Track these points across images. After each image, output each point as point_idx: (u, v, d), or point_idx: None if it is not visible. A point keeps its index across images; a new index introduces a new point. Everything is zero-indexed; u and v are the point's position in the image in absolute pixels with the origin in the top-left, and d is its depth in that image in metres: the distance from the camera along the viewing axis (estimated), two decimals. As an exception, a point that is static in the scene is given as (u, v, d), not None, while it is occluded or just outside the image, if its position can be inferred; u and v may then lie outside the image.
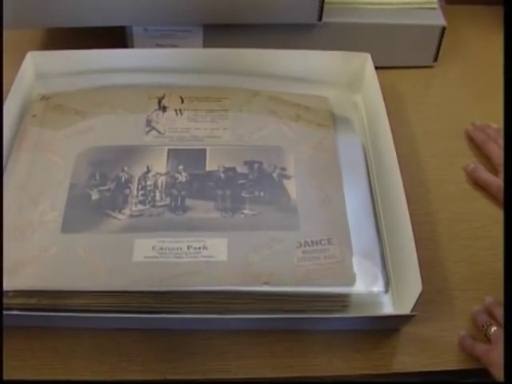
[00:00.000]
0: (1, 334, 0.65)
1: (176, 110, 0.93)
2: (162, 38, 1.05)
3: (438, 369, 0.73)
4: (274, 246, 0.77)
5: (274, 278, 0.75)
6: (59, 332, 0.74)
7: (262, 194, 0.83)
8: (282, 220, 0.81)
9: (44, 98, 0.94)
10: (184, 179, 0.84)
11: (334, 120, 0.94)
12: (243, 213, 0.81)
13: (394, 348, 0.75)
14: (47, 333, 0.74)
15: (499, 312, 0.75)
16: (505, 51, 0.80)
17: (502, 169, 0.90)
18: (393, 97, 0.99)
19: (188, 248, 0.77)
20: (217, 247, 0.77)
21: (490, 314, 0.76)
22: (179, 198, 0.82)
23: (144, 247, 0.77)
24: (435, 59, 1.09)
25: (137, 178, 0.84)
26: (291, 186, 0.84)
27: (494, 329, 0.73)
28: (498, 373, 0.67)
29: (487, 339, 0.73)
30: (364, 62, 0.99)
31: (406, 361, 0.75)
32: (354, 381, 0.75)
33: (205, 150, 0.88)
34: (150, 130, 0.91)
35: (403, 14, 1.06)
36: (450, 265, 0.83)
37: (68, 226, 0.79)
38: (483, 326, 0.74)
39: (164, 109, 0.94)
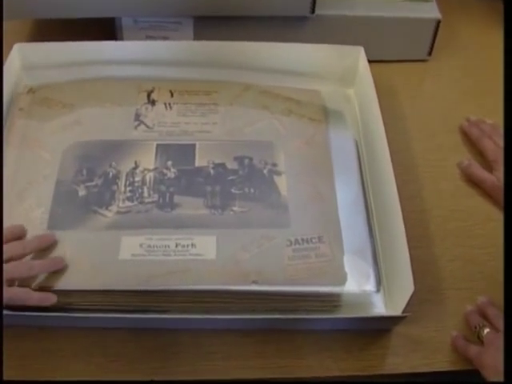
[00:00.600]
0: (1, 334, 0.65)
1: (165, 104, 0.92)
2: (152, 29, 1.03)
3: (430, 370, 0.72)
4: (263, 244, 0.76)
5: (263, 276, 0.73)
6: (45, 331, 0.73)
7: (252, 190, 0.82)
8: (272, 217, 0.79)
9: (31, 90, 0.93)
10: (173, 175, 0.83)
11: (326, 114, 0.93)
12: (233, 210, 0.80)
13: (385, 349, 0.74)
14: (32, 332, 0.73)
15: (492, 312, 0.74)
16: (505, 49, 0.78)
17: (496, 165, 0.89)
18: (386, 91, 0.98)
19: (176, 246, 0.76)
20: (205, 245, 0.76)
21: (482, 314, 0.75)
22: (167, 195, 0.81)
23: (131, 245, 0.76)
24: (430, 53, 1.08)
25: (124, 174, 0.83)
26: (282, 182, 0.83)
27: (486, 330, 0.71)
28: (491, 375, 0.66)
29: (480, 341, 0.72)
30: (357, 56, 0.97)
31: (398, 362, 0.74)
32: (345, 381, 0.74)
33: (194, 145, 0.87)
34: (138, 125, 0.89)
35: (397, 6, 1.05)
36: (443, 263, 0.82)
37: (54, 223, 0.78)
38: (476, 328, 0.73)
39: (153, 102, 0.92)
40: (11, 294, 0.68)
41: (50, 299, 0.71)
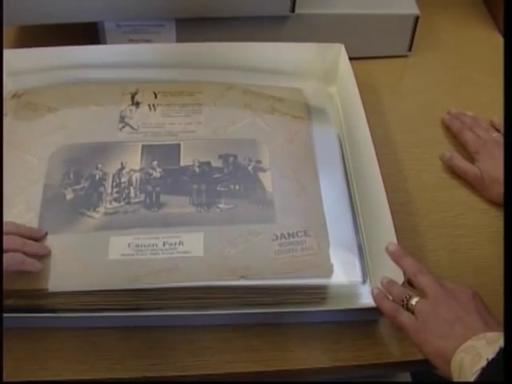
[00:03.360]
0: (1, 334, 0.66)
1: (149, 106, 0.93)
2: (135, 33, 1.04)
3: (418, 358, 0.73)
4: (250, 239, 0.77)
5: (250, 271, 0.74)
6: (37, 332, 0.74)
7: (237, 187, 0.83)
8: (257, 213, 0.80)
9: (15, 95, 0.93)
10: (158, 175, 0.84)
11: (309, 112, 0.94)
12: (219, 207, 0.81)
13: (374, 338, 0.76)
14: (25, 334, 0.74)
15: (397, 288, 0.71)
16: (505, 51, 0.79)
17: (478, 156, 0.90)
18: (368, 87, 0.99)
19: (164, 244, 0.76)
20: (193, 242, 0.77)
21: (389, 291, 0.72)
22: (154, 194, 0.82)
23: (120, 245, 0.77)
24: (409, 48, 1.09)
25: (111, 175, 0.84)
26: (267, 178, 0.84)
27: (415, 300, 0.68)
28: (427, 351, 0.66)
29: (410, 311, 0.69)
30: (338, 53, 0.98)
31: (386, 351, 0.75)
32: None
33: (179, 144, 0.87)
34: (123, 126, 0.90)
35: (376, 3, 1.06)
36: (427, 253, 0.83)
37: (44, 227, 0.78)
38: (403, 301, 0.69)
39: (137, 104, 0.93)
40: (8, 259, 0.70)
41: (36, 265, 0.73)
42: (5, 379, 0.70)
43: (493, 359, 0.58)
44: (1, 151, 0.84)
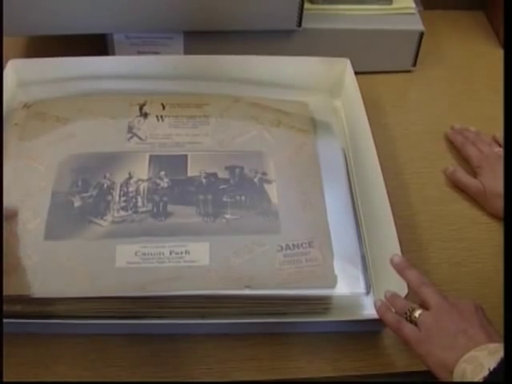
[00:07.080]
0: (1, 336, 0.66)
1: (157, 117, 0.94)
2: (143, 45, 1.05)
3: (420, 369, 0.73)
4: (255, 249, 0.78)
5: (255, 281, 0.75)
6: (43, 338, 0.75)
7: (243, 198, 0.84)
8: (263, 224, 0.81)
9: (26, 105, 0.94)
10: (166, 185, 0.85)
11: (314, 125, 0.95)
12: (225, 217, 0.81)
13: (376, 349, 0.76)
14: (31, 339, 0.75)
15: (401, 300, 0.72)
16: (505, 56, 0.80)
17: (480, 171, 0.91)
18: (372, 101, 1.00)
19: (170, 253, 0.77)
20: (199, 252, 0.78)
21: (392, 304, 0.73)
22: (161, 204, 0.83)
23: (126, 253, 0.77)
24: (414, 64, 1.11)
25: (119, 185, 0.84)
26: (272, 190, 0.85)
27: (418, 312, 0.69)
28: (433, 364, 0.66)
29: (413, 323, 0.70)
30: (343, 68, 1.00)
31: (389, 361, 0.76)
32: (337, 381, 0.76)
33: (186, 155, 0.88)
34: (131, 137, 0.91)
35: (382, 19, 1.07)
36: (430, 266, 0.84)
37: (51, 234, 0.79)
38: (406, 313, 0.70)
39: (145, 115, 0.94)
40: None
41: None
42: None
43: (494, 369, 0.59)
44: (1, 155, 0.85)
